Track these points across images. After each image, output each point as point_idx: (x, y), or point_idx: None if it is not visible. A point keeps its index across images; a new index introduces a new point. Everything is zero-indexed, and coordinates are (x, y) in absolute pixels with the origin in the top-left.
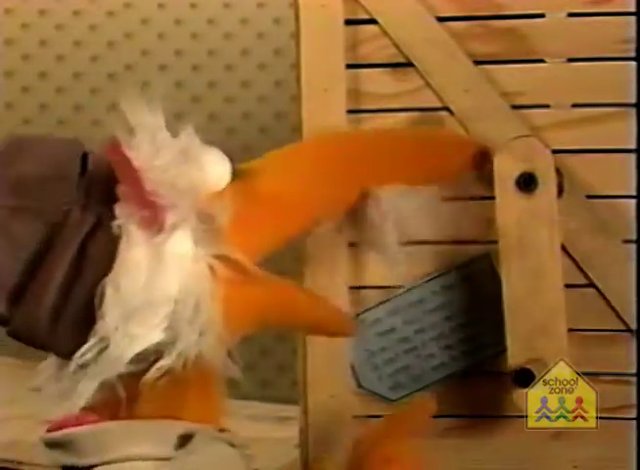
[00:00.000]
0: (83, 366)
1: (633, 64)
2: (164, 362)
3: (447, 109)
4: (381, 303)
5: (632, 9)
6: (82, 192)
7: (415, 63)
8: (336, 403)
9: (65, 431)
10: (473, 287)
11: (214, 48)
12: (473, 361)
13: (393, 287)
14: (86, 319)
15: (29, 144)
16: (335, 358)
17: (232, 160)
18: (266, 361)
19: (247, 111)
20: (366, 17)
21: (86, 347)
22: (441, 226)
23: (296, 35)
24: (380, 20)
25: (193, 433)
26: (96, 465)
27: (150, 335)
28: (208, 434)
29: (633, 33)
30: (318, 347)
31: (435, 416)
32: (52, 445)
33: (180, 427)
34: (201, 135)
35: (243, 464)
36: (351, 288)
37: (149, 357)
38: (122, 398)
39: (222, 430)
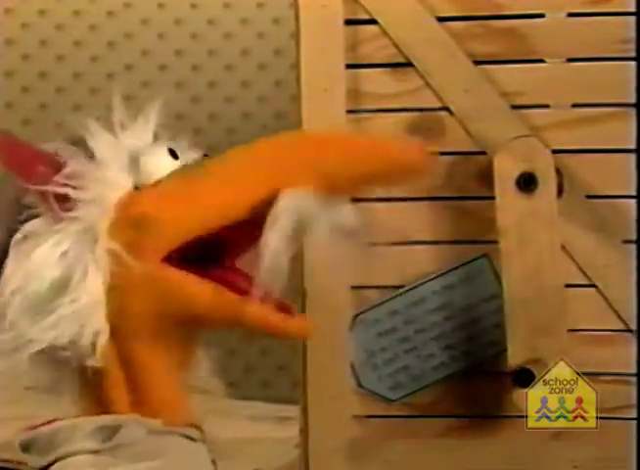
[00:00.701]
0: None
1: (633, 64)
2: (29, 350)
3: (447, 109)
4: (381, 303)
5: (632, 9)
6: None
7: (415, 63)
8: (336, 403)
9: (28, 433)
10: (473, 287)
11: (214, 48)
12: (473, 361)
13: (393, 287)
14: None
15: None
16: (335, 358)
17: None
18: (266, 361)
19: (247, 111)
20: (366, 17)
21: None
22: (441, 226)
23: (296, 35)
24: (380, 20)
25: (119, 425)
26: (52, 463)
27: (22, 322)
28: (147, 427)
29: (633, 33)
30: (318, 347)
31: (435, 416)
32: (22, 449)
33: (101, 420)
34: (201, 135)
35: (201, 457)
36: (351, 288)
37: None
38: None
39: (193, 425)
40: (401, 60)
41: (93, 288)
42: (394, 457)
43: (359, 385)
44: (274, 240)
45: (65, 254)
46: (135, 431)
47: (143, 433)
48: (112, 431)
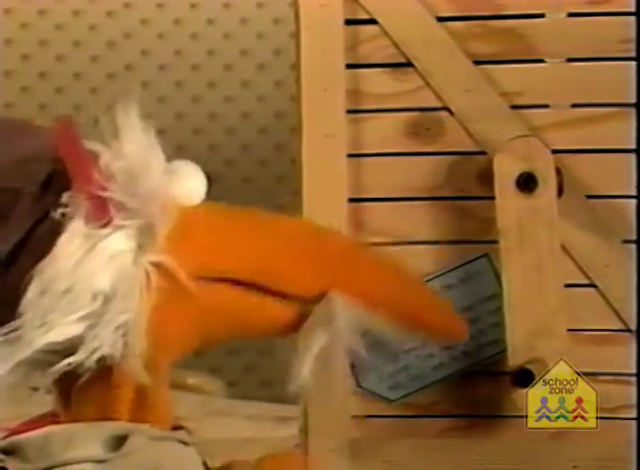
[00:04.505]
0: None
1: (633, 64)
2: (75, 358)
3: (447, 109)
4: None
5: (632, 9)
6: (43, 179)
7: (415, 63)
8: (336, 403)
9: (12, 438)
10: (473, 287)
11: (214, 48)
12: (473, 361)
13: None
14: (16, 301)
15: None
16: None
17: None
18: (266, 361)
19: (246, 111)
20: (366, 17)
21: (4, 328)
22: (441, 226)
23: (295, 35)
24: (380, 20)
25: (126, 433)
26: None
27: (67, 326)
28: (148, 434)
29: (633, 33)
30: None
31: (435, 416)
32: (4, 452)
33: (111, 428)
34: (200, 135)
35: (195, 461)
36: None
37: (65, 351)
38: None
39: (178, 428)
40: (401, 60)
41: (140, 302)
42: (394, 457)
43: (359, 385)
44: (314, 348)
45: (113, 259)
46: (140, 439)
47: (145, 441)
48: (117, 440)
